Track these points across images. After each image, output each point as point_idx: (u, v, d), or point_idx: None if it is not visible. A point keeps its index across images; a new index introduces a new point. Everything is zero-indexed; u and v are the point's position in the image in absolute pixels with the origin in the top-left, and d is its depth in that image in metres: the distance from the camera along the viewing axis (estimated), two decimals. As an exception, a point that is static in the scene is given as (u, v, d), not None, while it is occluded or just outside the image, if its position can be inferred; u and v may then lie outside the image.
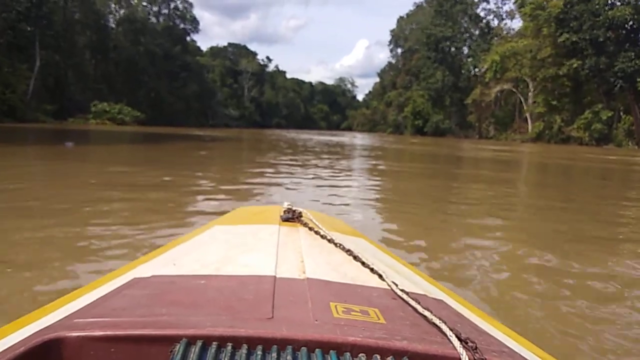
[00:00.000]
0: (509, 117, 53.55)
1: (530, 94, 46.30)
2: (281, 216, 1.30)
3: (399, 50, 76.70)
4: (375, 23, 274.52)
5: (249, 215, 1.56)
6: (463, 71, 60.15)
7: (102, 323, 0.58)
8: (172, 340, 0.55)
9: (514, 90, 48.47)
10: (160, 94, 55.88)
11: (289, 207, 1.34)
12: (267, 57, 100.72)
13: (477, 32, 60.71)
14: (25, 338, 0.57)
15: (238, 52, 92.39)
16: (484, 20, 60.47)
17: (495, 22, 60.39)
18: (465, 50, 61.52)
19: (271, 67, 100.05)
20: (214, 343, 0.55)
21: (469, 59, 59.65)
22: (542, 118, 42.22)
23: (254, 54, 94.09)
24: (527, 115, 46.87)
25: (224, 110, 76.58)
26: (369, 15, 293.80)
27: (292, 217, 1.29)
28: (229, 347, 0.55)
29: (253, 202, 5.59)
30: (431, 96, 60.36)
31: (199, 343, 0.55)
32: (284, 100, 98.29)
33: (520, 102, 48.33)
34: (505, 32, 57.54)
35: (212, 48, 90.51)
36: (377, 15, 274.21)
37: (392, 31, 78.14)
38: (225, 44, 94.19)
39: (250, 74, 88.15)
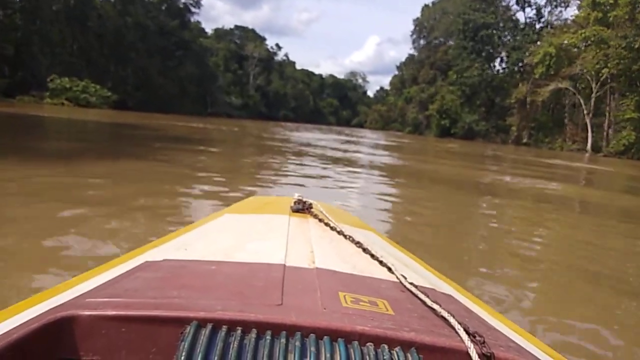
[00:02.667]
0: (551, 121, 45.64)
1: (592, 95, 38.24)
2: (291, 207, 1.31)
3: (422, 42, 69.37)
4: (387, 19, 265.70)
5: (260, 205, 1.55)
6: (505, 65, 51.95)
7: (114, 303, 0.58)
8: (183, 322, 0.55)
9: (571, 89, 40.33)
10: (150, 73, 47.87)
11: (300, 198, 1.34)
12: (277, 45, 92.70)
13: (523, 20, 52.42)
14: (38, 315, 0.57)
15: (245, 35, 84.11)
16: (533, 7, 52.18)
17: (547, 8, 51.94)
18: (506, 41, 53.18)
19: (280, 56, 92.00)
20: (224, 327, 0.55)
21: (513, 52, 51.20)
22: (630, 126, 33.95)
23: (262, 39, 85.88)
24: (587, 121, 38.76)
25: (225, 97, 68.61)
26: (381, 10, 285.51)
27: (302, 208, 1.30)
28: (239, 331, 0.55)
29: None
30: (464, 93, 52.21)
31: (209, 326, 0.54)
32: (293, 92, 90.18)
33: (580, 104, 40.12)
34: (555, 21, 49.38)
35: (216, 30, 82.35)
36: (390, 11, 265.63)
37: (415, 20, 71.16)
38: (232, 26, 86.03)
39: (257, 60, 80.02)
